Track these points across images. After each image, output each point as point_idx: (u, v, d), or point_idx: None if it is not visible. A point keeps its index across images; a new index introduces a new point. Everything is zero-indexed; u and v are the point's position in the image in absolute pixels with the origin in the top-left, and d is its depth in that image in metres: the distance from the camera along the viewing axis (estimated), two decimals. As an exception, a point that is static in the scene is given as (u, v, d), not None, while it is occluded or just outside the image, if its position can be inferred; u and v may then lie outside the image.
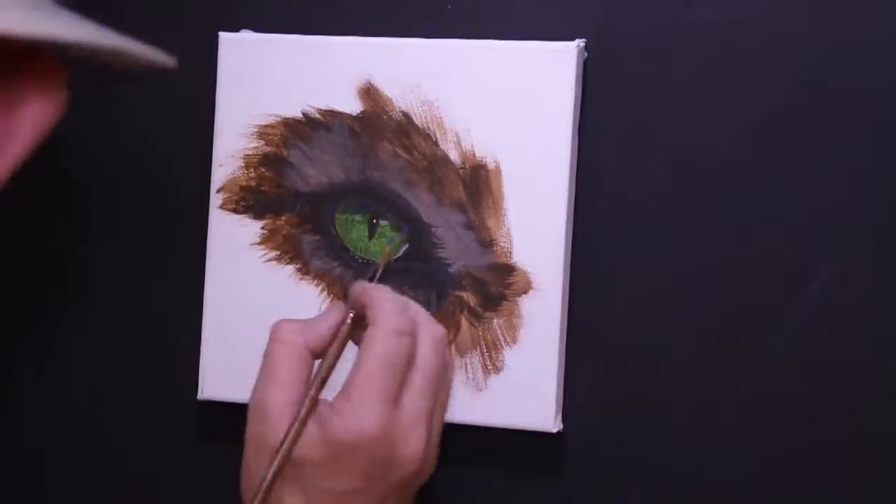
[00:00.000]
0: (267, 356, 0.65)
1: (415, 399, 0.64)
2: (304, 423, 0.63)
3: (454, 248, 0.72)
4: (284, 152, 0.74)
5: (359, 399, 0.63)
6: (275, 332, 0.66)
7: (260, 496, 0.63)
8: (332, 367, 0.66)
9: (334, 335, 0.66)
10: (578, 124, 0.71)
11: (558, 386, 0.71)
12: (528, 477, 0.73)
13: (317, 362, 0.67)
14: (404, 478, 0.64)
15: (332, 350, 0.66)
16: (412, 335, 0.65)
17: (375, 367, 0.63)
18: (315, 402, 0.64)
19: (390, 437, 0.63)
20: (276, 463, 0.63)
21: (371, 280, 0.71)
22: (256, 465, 0.64)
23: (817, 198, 0.69)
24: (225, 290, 0.75)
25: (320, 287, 0.74)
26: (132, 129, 0.78)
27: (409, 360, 0.64)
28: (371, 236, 0.73)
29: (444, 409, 0.67)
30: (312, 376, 0.65)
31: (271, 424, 0.64)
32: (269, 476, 0.63)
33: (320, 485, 0.63)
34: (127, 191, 0.79)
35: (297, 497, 0.63)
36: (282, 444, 0.63)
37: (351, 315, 0.66)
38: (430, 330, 0.66)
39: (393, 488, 0.64)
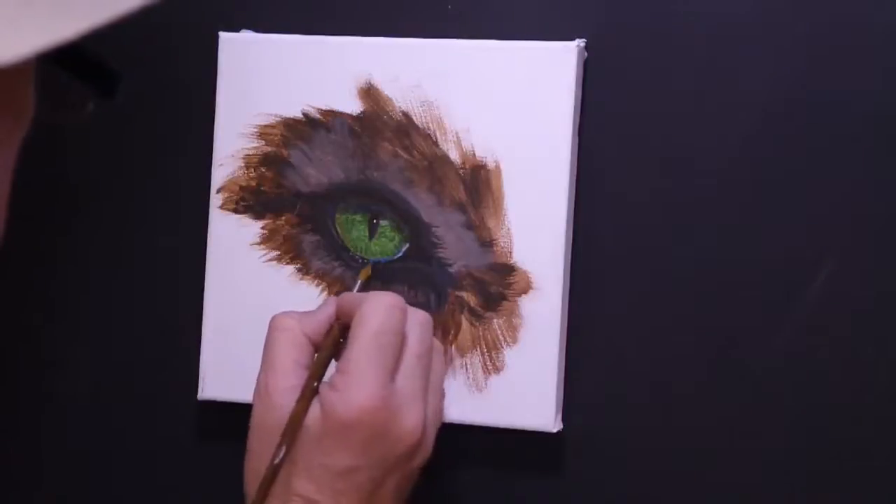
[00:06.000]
0: (266, 345, 0.68)
1: (408, 377, 0.66)
2: (305, 410, 0.65)
3: (454, 248, 0.72)
4: (284, 152, 0.74)
5: (355, 373, 0.64)
6: (272, 323, 0.69)
7: (266, 479, 0.65)
8: (325, 363, 0.67)
9: (330, 326, 0.68)
10: (578, 124, 0.71)
11: (558, 386, 0.71)
12: (528, 477, 0.73)
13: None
14: (403, 454, 0.65)
15: (323, 351, 0.67)
16: (402, 310, 0.67)
17: (370, 341, 0.65)
18: (315, 390, 0.66)
19: (388, 409, 0.64)
20: (282, 451, 0.64)
21: None
22: (258, 448, 0.66)
23: (817, 198, 0.69)
24: (225, 290, 0.75)
25: (320, 287, 0.74)
26: (132, 129, 0.78)
27: (401, 338, 0.66)
28: (371, 236, 0.73)
29: (438, 392, 0.69)
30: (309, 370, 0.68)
31: (272, 408, 0.66)
32: (277, 460, 0.64)
33: (323, 462, 0.64)
34: (127, 190, 0.79)
35: (301, 477, 0.64)
36: (286, 428, 0.64)
37: (338, 324, 0.68)
38: (415, 315, 0.68)
39: (392, 466, 0.65)
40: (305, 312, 0.70)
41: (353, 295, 0.70)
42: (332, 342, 0.68)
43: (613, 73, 0.71)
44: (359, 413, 0.64)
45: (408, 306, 0.68)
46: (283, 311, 0.69)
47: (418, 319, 0.68)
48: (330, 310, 0.69)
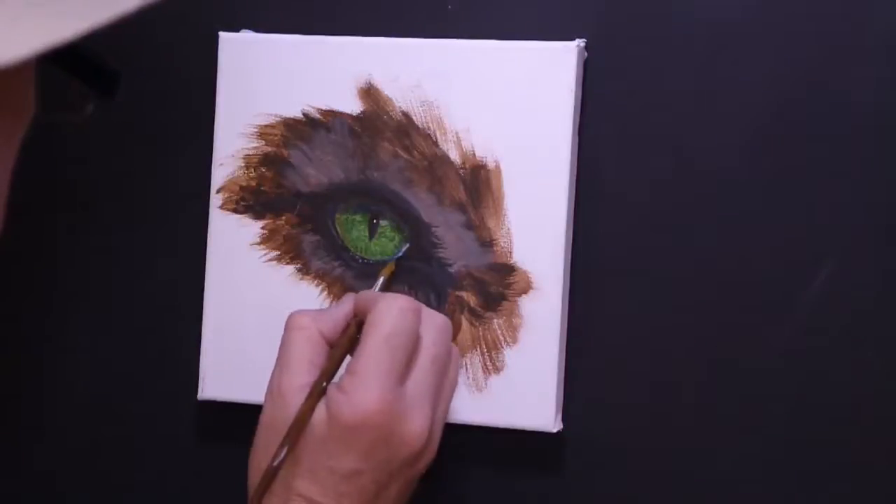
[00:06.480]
0: (282, 344, 0.68)
1: (418, 381, 0.65)
2: (311, 410, 0.65)
3: (454, 248, 0.72)
4: (284, 152, 0.74)
5: (363, 376, 0.64)
6: (289, 321, 0.68)
7: (265, 480, 0.65)
8: (338, 362, 0.67)
9: (347, 325, 0.67)
10: (578, 124, 0.71)
11: (558, 386, 0.71)
12: (528, 477, 0.73)
13: None
14: (407, 458, 0.64)
15: (337, 349, 0.67)
16: (416, 313, 0.66)
17: (380, 343, 0.65)
18: (323, 390, 0.65)
19: (394, 413, 0.64)
20: (283, 451, 0.64)
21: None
22: (265, 446, 0.66)
23: (817, 198, 0.69)
24: (225, 290, 0.75)
25: (320, 287, 0.74)
26: (132, 129, 0.78)
27: (414, 340, 0.66)
28: (371, 236, 0.73)
29: (448, 397, 0.68)
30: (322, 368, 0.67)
31: (284, 406, 0.66)
32: (277, 461, 0.64)
33: (327, 464, 0.64)
34: (127, 191, 0.79)
35: (304, 478, 0.64)
36: (290, 428, 0.64)
37: (355, 321, 0.68)
38: (432, 318, 0.67)
39: (396, 469, 0.64)
40: (322, 310, 0.70)
41: (370, 294, 0.69)
42: (348, 340, 0.67)
43: (613, 73, 0.71)
44: (364, 416, 0.63)
45: (425, 309, 0.68)
46: (300, 310, 0.69)
47: (435, 322, 0.67)
48: (347, 308, 0.69)
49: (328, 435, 0.64)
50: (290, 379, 0.66)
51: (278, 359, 0.68)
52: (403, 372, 0.65)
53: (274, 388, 0.67)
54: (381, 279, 0.72)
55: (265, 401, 0.67)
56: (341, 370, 0.67)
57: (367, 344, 0.65)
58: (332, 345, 0.68)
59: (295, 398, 0.65)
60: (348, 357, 0.67)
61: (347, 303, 0.69)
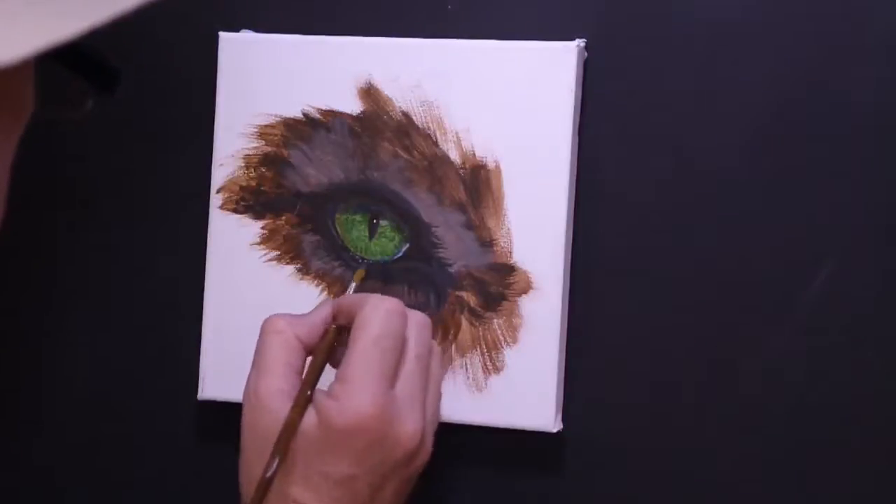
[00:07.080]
0: (257, 347, 0.68)
1: (407, 382, 0.66)
2: (299, 419, 0.64)
3: (454, 248, 0.72)
4: (284, 152, 0.74)
5: (354, 381, 0.64)
6: (264, 325, 0.68)
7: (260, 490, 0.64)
8: (320, 369, 0.67)
9: (325, 330, 0.67)
10: (578, 124, 0.71)
11: (558, 386, 0.71)
12: (528, 477, 0.73)
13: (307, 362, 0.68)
14: (401, 459, 0.64)
15: (318, 356, 0.67)
16: (403, 315, 0.66)
17: (369, 347, 0.65)
18: (308, 398, 0.65)
19: (386, 416, 0.64)
20: (275, 462, 0.63)
21: None
22: (252, 453, 0.66)
23: (817, 198, 0.69)
24: (225, 290, 0.75)
25: (320, 287, 0.74)
26: (132, 129, 0.78)
27: (402, 342, 0.66)
28: (371, 236, 0.73)
29: (436, 394, 0.69)
30: (303, 375, 0.67)
31: (263, 410, 0.65)
32: (269, 472, 0.64)
33: (321, 470, 0.64)
34: (126, 191, 0.79)
35: (298, 484, 0.64)
36: (279, 438, 0.64)
37: (334, 326, 0.68)
38: (413, 317, 0.68)
39: (390, 471, 0.64)
40: (298, 315, 0.69)
41: (352, 297, 0.69)
42: (328, 346, 0.67)
43: (613, 73, 0.71)
44: (357, 422, 0.63)
45: (406, 309, 0.68)
46: (276, 314, 0.69)
47: (417, 321, 0.68)
48: (325, 312, 0.69)
49: (321, 441, 0.64)
50: (266, 382, 0.66)
51: (254, 362, 0.67)
52: (393, 374, 0.65)
53: (251, 391, 0.66)
54: (354, 284, 0.72)
55: (243, 404, 0.67)
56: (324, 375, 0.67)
57: (356, 348, 0.65)
58: (309, 350, 0.68)
59: (274, 402, 0.65)
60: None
61: (325, 308, 0.69)
